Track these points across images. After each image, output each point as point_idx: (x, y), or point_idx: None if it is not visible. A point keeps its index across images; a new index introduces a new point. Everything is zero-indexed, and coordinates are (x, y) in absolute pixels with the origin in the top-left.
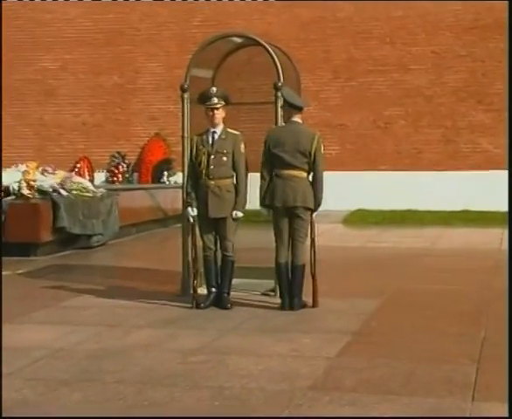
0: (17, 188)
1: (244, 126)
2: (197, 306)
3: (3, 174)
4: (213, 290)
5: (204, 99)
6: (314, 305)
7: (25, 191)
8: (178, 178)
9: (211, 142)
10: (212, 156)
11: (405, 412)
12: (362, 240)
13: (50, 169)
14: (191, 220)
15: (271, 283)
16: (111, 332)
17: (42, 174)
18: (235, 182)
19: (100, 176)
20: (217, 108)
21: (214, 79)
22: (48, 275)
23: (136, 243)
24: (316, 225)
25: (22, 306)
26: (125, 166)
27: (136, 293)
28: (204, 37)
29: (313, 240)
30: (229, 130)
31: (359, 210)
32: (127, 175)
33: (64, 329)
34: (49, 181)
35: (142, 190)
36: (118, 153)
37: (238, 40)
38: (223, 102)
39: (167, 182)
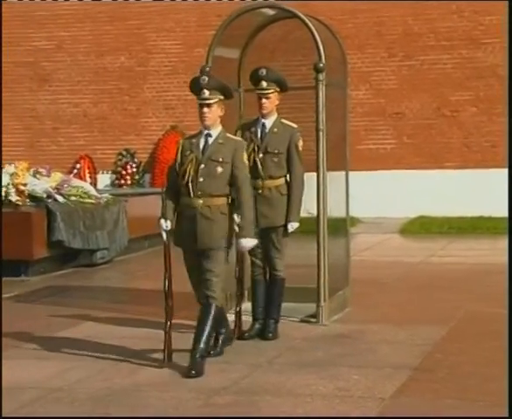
0: (3, 194)
1: (279, 115)
2: (240, 337)
3: None
4: (260, 317)
5: (252, 82)
6: None
7: (14, 197)
8: None
9: (260, 136)
10: (261, 154)
11: None
12: (423, 254)
13: (44, 171)
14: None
15: (311, 307)
16: (118, 368)
17: (34, 176)
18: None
19: (105, 179)
20: (266, 96)
21: (242, 60)
22: (42, 299)
23: (148, 259)
24: (362, 237)
25: (11, 337)
26: (135, 166)
27: (148, 321)
28: (230, 9)
29: None
30: (284, 122)
31: (420, 218)
32: (137, 177)
33: (62, 365)
34: (42, 185)
35: (156, 195)
36: (126, 150)
37: (271, 12)
38: (276, 88)
39: None
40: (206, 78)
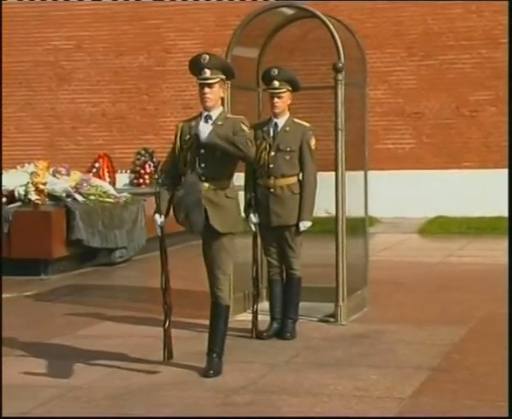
0: (23, 192)
1: (298, 115)
2: (258, 336)
3: (7, 176)
4: (278, 316)
5: (264, 81)
6: None
7: (34, 196)
8: None
9: (272, 135)
10: (273, 153)
11: None
12: (442, 254)
13: (63, 170)
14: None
15: (330, 307)
16: (135, 366)
17: (53, 175)
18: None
19: (124, 178)
20: (278, 95)
21: (260, 60)
22: (61, 298)
23: None
24: (381, 236)
25: (29, 335)
26: (153, 165)
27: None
28: (249, 9)
29: None
30: (296, 121)
31: (439, 218)
32: (155, 177)
33: (80, 363)
34: (62, 184)
35: None
36: (145, 149)
37: (290, 12)
38: (288, 87)
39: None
40: (207, 57)
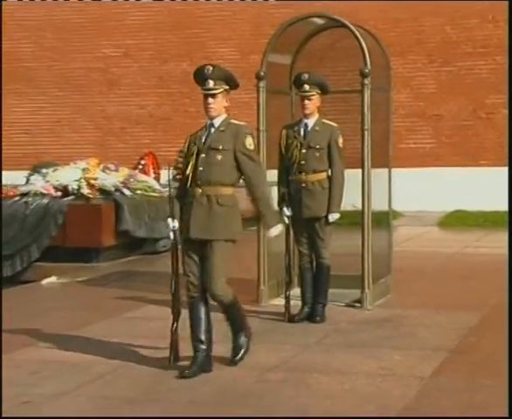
0: (76, 187)
1: (327, 116)
2: (290, 320)
3: (62, 171)
4: (309, 301)
5: (295, 85)
6: None
7: (86, 191)
8: None
9: (303, 134)
10: (304, 150)
11: None
12: (459, 245)
13: (112, 167)
14: (286, 221)
15: (356, 293)
16: (179, 346)
17: (104, 171)
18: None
19: (167, 174)
20: (308, 97)
21: (293, 66)
22: (110, 283)
23: None
24: (404, 229)
25: (81, 317)
26: None
27: None
28: (283, 19)
29: None
30: (325, 121)
31: (457, 211)
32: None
33: (128, 342)
34: (111, 179)
35: None
36: None
37: (320, 22)
38: (317, 90)
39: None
40: (211, 68)
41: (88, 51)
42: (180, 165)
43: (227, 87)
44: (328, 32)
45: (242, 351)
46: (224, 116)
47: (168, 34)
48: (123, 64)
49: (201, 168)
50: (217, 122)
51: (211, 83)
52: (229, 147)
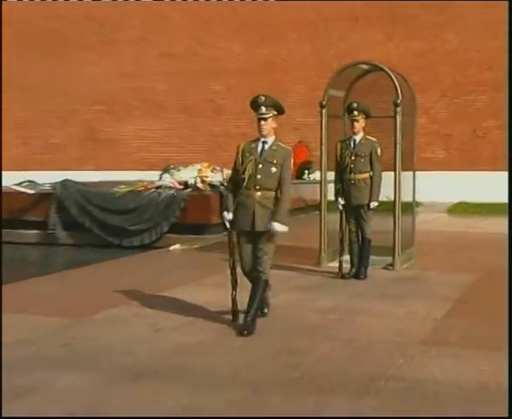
0: (193, 182)
1: (370, 134)
2: (343, 276)
3: (184, 171)
4: (355, 264)
5: (347, 111)
6: None
7: (200, 185)
8: (316, 175)
9: (352, 146)
10: (353, 157)
11: (500, 363)
12: (463, 226)
13: (218, 168)
14: (340, 208)
15: (389, 259)
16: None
17: (212, 172)
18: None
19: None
20: (356, 120)
21: (346, 98)
22: (216, 249)
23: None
24: (423, 214)
25: (196, 273)
26: None
27: (279, 266)
28: (339, 66)
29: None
30: (368, 137)
31: (461, 203)
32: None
33: (227, 292)
34: (217, 177)
35: (293, 185)
36: None
37: (366, 67)
38: (363, 116)
39: (307, 179)
40: (263, 98)
41: (201, 87)
42: (234, 176)
43: (276, 113)
44: (372, 74)
45: (252, 310)
46: (273, 137)
47: (258, 76)
48: (226, 97)
49: (259, 176)
50: (269, 141)
51: (263, 109)
52: (280, 163)
